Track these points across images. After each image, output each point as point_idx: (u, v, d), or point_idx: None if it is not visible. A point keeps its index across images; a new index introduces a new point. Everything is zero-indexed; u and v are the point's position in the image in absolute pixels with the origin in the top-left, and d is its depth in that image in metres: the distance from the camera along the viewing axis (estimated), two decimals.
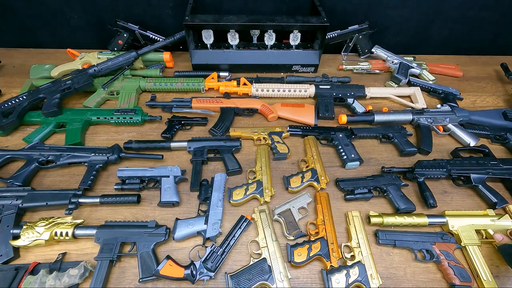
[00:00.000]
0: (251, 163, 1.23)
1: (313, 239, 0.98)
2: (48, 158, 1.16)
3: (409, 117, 1.37)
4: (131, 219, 1.04)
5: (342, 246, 0.98)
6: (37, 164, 1.14)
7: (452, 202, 1.15)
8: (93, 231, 0.95)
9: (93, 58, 1.52)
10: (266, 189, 1.10)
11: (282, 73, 1.65)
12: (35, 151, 1.17)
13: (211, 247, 0.94)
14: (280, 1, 1.64)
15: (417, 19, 1.72)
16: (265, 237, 0.98)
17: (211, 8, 1.64)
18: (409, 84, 1.59)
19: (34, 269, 0.89)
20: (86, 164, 1.16)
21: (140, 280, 0.89)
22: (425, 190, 1.11)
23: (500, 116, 1.39)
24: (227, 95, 1.43)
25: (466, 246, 0.98)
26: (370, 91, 1.50)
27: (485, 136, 1.36)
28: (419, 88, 1.54)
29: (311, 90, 1.47)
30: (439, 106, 1.43)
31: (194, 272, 0.89)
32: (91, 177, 1.11)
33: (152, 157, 1.20)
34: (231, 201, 1.08)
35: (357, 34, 1.68)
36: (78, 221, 0.99)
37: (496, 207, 1.09)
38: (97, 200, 1.04)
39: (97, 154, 1.17)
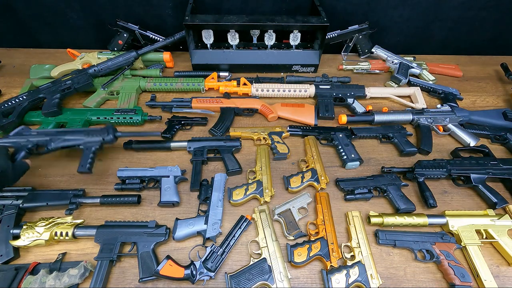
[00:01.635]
0: (251, 163, 1.23)
1: (313, 239, 0.98)
2: (38, 144, 1.07)
3: (409, 117, 1.37)
4: (131, 219, 1.04)
5: (342, 246, 0.98)
6: (27, 151, 1.06)
7: (452, 202, 1.15)
8: (93, 231, 0.95)
9: (93, 58, 1.52)
10: (266, 189, 1.10)
11: (282, 73, 1.65)
12: (22, 137, 1.08)
13: (211, 247, 0.94)
14: (280, 1, 1.63)
15: (417, 19, 1.72)
16: (265, 237, 0.98)
17: (211, 8, 1.64)
18: (409, 84, 1.59)
19: (34, 269, 0.89)
20: (81, 147, 1.09)
21: (140, 280, 0.89)
22: (425, 190, 1.11)
23: (500, 116, 1.39)
24: (227, 95, 1.43)
25: (466, 246, 0.98)
26: (370, 91, 1.50)
27: (485, 136, 1.36)
28: (419, 88, 1.54)
29: (311, 90, 1.47)
30: (439, 106, 1.43)
31: (194, 272, 0.89)
32: (89, 160, 1.06)
33: (150, 135, 1.15)
34: (231, 201, 1.08)
35: (357, 34, 1.68)
36: (78, 221, 0.99)
37: (496, 207, 1.09)
38: (98, 200, 1.04)
39: (90, 136, 1.09)
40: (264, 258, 0.93)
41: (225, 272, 0.91)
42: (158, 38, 1.63)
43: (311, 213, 1.09)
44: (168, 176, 1.11)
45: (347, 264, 0.93)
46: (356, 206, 1.11)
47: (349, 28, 1.67)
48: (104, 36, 1.66)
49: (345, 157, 1.21)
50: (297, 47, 1.60)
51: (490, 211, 1.07)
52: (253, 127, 1.35)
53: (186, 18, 1.40)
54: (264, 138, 1.29)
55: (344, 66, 1.68)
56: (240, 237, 1.00)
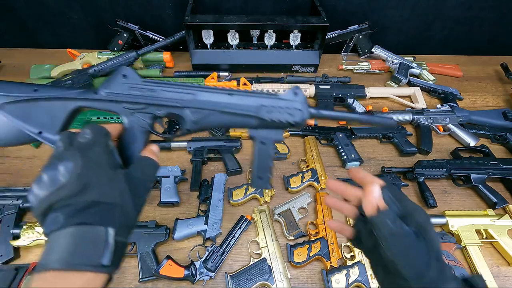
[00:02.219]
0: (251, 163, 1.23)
1: (313, 239, 0.98)
2: (169, 114, 0.55)
3: (409, 117, 1.37)
4: None
5: (342, 246, 0.98)
6: (149, 129, 0.52)
7: (452, 202, 1.15)
8: None
9: (93, 58, 1.52)
10: (266, 189, 1.10)
11: (282, 73, 1.65)
12: (134, 95, 0.50)
13: (211, 247, 0.94)
14: (280, 1, 1.63)
15: (417, 19, 1.72)
16: (265, 237, 0.98)
17: (211, 8, 1.64)
18: (409, 84, 1.59)
19: (34, 269, 0.88)
20: (256, 140, 0.63)
21: (140, 280, 0.89)
22: (425, 190, 1.11)
23: (500, 116, 1.39)
24: None
25: (466, 246, 0.98)
26: (370, 91, 1.50)
27: (485, 136, 1.36)
28: (419, 88, 1.54)
29: (311, 90, 1.47)
30: (439, 106, 1.43)
31: (194, 272, 0.89)
32: (269, 165, 0.63)
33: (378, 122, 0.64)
34: (231, 201, 1.08)
35: (357, 34, 1.68)
36: None
37: (496, 207, 1.08)
38: None
39: (269, 115, 0.57)
40: (264, 258, 0.93)
41: (225, 272, 0.91)
42: (158, 38, 1.63)
43: (311, 213, 1.09)
44: (168, 176, 1.11)
45: (347, 264, 0.93)
46: None
47: (349, 28, 1.66)
48: (104, 36, 1.66)
49: (345, 157, 1.21)
50: (297, 47, 1.60)
51: (490, 211, 1.07)
52: None
53: (186, 18, 1.40)
54: None
55: (344, 66, 1.68)
56: (240, 237, 1.00)
